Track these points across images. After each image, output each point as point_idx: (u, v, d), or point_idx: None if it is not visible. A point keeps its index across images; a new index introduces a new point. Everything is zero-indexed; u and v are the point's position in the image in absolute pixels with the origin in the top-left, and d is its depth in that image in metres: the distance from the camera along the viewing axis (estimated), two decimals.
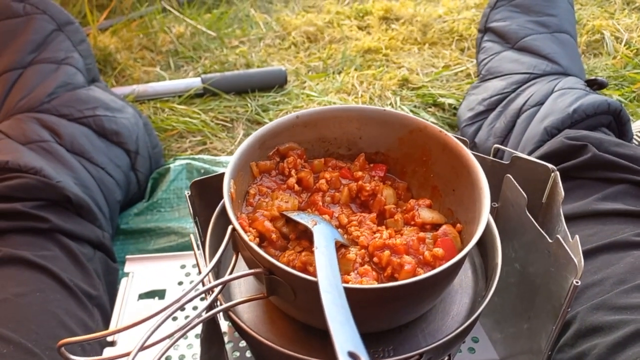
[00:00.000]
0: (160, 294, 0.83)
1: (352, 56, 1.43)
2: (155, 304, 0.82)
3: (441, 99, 1.28)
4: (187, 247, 0.97)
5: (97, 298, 0.80)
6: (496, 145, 0.67)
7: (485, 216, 0.51)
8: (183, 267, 0.87)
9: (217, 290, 0.48)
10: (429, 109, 1.27)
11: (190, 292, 0.45)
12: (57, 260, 0.80)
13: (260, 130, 0.60)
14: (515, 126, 1.01)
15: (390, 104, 1.28)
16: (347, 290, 0.44)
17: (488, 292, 0.53)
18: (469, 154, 0.57)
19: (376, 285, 0.47)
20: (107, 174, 0.99)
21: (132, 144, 1.04)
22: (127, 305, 0.81)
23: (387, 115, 0.62)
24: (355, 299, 0.44)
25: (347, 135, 0.64)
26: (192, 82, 1.31)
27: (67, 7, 1.43)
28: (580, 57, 1.17)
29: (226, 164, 1.09)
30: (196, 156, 1.11)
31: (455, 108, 1.25)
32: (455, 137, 0.60)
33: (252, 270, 0.49)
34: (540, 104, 1.00)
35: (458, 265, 0.50)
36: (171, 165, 1.07)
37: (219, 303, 0.52)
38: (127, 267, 0.86)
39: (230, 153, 1.18)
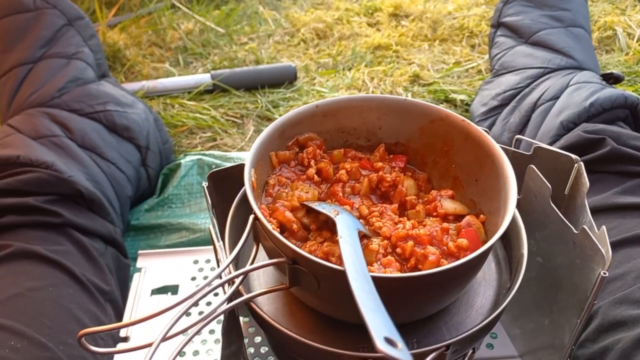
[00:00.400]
0: (173, 289, 0.82)
1: (362, 53, 1.42)
2: (168, 299, 0.81)
3: (453, 95, 1.27)
4: (198, 242, 0.96)
5: (109, 293, 0.80)
6: (518, 136, 0.66)
7: (513, 206, 0.50)
8: (196, 262, 0.86)
9: (238, 280, 0.47)
10: (441, 105, 1.26)
11: (214, 281, 0.44)
12: (70, 255, 0.79)
13: (280, 119, 0.59)
14: (530, 120, 1.00)
15: None
16: (373, 279, 0.43)
17: (514, 283, 0.52)
18: (493, 142, 0.56)
19: (403, 274, 0.46)
20: (118, 169, 0.98)
21: (142, 140, 1.04)
22: (139, 301, 0.80)
23: (408, 105, 0.61)
24: (381, 288, 0.43)
25: (367, 125, 0.63)
26: (202, 78, 1.30)
27: (77, 3, 1.42)
28: (594, 51, 1.16)
29: (237, 160, 1.08)
30: (207, 152, 1.10)
31: (467, 104, 1.24)
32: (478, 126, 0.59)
33: (275, 260, 0.47)
34: (555, 98, 0.99)
35: (484, 255, 0.49)
36: (182, 161, 1.07)
37: (239, 295, 0.51)
38: (140, 263, 0.86)
39: (241, 149, 1.17)
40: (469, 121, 0.58)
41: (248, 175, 0.52)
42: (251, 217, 0.50)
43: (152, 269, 0.85)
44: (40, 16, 1.07)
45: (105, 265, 0.83)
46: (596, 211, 0.79)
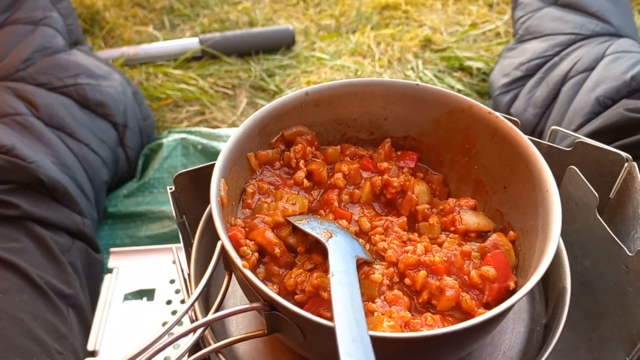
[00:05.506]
0: (148, 294, 0.73)
1: (368, 13, 1.29)
2: (142, 306, 0.72)
3: (468, 63, 1.14)
4: None
5: (72, 297, 0.70)
6: (554, 127, 0.55)
7: (556, 235, 0.38)
8: (174, 262, 0.75)
9: (199, 331, 0.36)
10: (455, 74, 1.14)
11: (173, 329, 0.33)
12: (26, 254, 0.70)
13: (260, 111, 0.47)
14: (560, 95, 0.88)
15: (412, 68, 1.14)
16: (374, 339, 0.32)
17: (557, 326, 0.41)
18: (528, 143, 0.45)
19: (411, 334, 0.35)
20: (91, 151, 0.88)
21: (119, 116, 0.93)
22: (110, 308, 0.71)
23: (421, 92, 0.50)
24: (385, 349, 0.33)
25: (370, 115, 0.52)
26: (189, 43, 1.19)
27: None
28: (633, 14, 1.02)
29: (227, 138, 0.97)
30: (193, 129, 0.99)
31: (484, 73, 1.12)
32: (508, 117, 0.47)
33: (247, 306, 0.37)
34: (589, 69, 0.88)
35: (511, 308, 0.38)
36: (164, 141, 0.95)
37: (206, 342, 0.41)
38: (112, 262, 0.76)
39: (232, 124, 1.06)
40: (497, 114, 0.47)
41: (215, 190, 0.40)
42: (219, 243, 0.39)
43: (125, 269, 0.75)
44: None
45: (69, 264, 0.73)
46: None
